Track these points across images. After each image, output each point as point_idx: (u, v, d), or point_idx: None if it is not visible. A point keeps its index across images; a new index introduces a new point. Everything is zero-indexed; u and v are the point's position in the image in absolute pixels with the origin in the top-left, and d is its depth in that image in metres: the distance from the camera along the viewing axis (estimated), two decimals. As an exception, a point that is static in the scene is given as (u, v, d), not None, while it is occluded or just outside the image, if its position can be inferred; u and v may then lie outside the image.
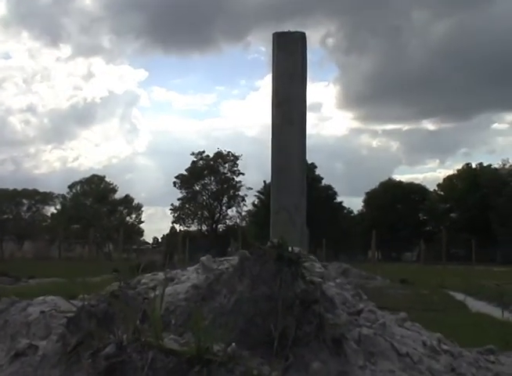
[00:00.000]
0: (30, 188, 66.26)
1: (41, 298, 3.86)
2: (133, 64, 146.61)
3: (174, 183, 67.72)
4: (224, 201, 68.01)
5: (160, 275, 3.71)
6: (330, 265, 16.89)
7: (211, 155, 67.21)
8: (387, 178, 74.55)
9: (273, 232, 13.34)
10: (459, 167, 71.88)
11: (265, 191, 67.73)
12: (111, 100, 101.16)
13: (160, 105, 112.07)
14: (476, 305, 10.65)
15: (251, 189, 67.86)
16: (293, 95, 13.64)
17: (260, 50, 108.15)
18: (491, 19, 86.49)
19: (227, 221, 68.90)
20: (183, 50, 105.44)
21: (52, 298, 3.79)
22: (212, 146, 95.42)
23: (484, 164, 68.87)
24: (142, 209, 71.03)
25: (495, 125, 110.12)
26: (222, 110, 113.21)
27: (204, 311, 2.91)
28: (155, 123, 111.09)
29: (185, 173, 67.46)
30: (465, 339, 6.03)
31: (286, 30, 13.73)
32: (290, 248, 3.03)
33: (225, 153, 67.35)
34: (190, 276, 3.59)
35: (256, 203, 68.49)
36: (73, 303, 3.20)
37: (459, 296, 12.73)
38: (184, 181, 67.66)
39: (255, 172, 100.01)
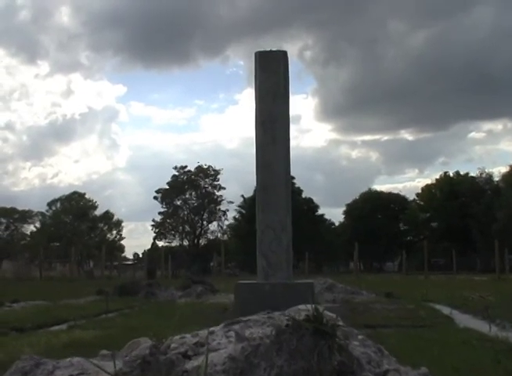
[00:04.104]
0: (9, 206, 65.61)
1: (67, 360, 3.78)
2: (112, 80, 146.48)
3: (155, 197, 67.51)
4: (205, 216, 67.90)
5: (189, 338, 3.68)
6: (316, 281, 16.98)
7: (192, 169, 67.21)
8: (366, 188, 75.09)
9: (259, 251, 13.40)
10: (438, 176, 72.62)
11: (245, 205, 67.85)
12: (90, 116, 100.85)
13: (140, 120, 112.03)
14: (462, 319, 10.74)
15: (232, 203, 67.93)
16: (276, 114, 13.77)
17: (238, 64, 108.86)
18: (466, 29, 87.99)
19: (209, 235, 68.78)
20: (162, 65, 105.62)
21: (78, 360, 3.72)
22: (192, 160, 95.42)
23: (462, 173, 69.69)
24: (123, 225, 70.70)
25: (473, 134, 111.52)
26: (202, 123, 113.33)
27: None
28: (134, 138, 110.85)
29: (166, 187, 67.31)
30: (457, 360, 6.12)
31: (267, 49, 13.88)
32: (325, 320, 3.05)
33: (205, 167, 67.36)
34: (221, 342, 3.56)
35: (237, 217, 68.52)
36: (102, 367, 3.15)
37: (445, 309, 12.82)
38: (165, 195, 67.46)
39: (236, 185, 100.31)
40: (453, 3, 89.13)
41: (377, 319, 10.77)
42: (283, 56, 13.98)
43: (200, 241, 68.30)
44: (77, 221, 66.16)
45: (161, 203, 67.73)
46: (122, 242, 71.37)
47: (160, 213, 67.65)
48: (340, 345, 3.00)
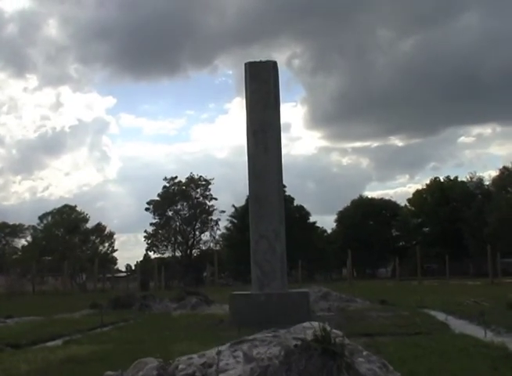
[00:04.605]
0: (-1, 221, 65.26)
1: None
2: (101, 92, 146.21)
3: (147, 209, 67.31)
4: (197, 226, 67.72)
5: (196, 359, 3.68)
6: (311, 289, 16.99)
7: (183, 179, 67.08)
8: (358, 195, 75.19)
9: (254, 260, 13.40)
10: (428, 181, 72.84)
11: (237, 215, 67.79)
12: (80, 129, 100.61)
13: (130, 131, 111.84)
14: (458, 325, 10.79)
15: (224, 212, 67.76)
16: (267, 123, 13.83)
17: (227, 73, 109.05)
18: (454, 35, 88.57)
19: (201, 246, 68.57)
20: (151, 76, 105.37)
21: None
22: (183, 170, 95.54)
23: (452, 178, 69.95)
24: (115, 237, 70.40)
25: (462, 139, 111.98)
26: (192, 133, 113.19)
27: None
28: (125, 149, 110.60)
29: (157, 198, 67.13)
30: (455, 368, 6.14)
31: (257, 60, 13.95)
32: (333, 339, 3.06)
33: (196, 177, 67.25)
34: (229, 362, 3.54)
35: (229, 226, 68.40)
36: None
37: (440, 316, 12.86)
38: (156, 206, 67.27)
39: (227, 195, 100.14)
40: (440, 10, 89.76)
41: (374, 327, 10.80)
42: (272, 66, 14.10)
43: (193, 252, 68.08)
44: (69, 234, 65.82)
45: (153, 214, 67.53)
46: (114, 254, 71.05)
47: (151, 224, 67.46)
48: (348, 364, 3.02)
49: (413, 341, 8.51)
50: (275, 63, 14.36)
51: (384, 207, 72.75)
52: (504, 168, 61.12)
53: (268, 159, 13.61)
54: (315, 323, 3.31)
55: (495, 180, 62.36)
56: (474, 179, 66.32)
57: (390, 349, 7.59)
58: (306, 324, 3.64)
